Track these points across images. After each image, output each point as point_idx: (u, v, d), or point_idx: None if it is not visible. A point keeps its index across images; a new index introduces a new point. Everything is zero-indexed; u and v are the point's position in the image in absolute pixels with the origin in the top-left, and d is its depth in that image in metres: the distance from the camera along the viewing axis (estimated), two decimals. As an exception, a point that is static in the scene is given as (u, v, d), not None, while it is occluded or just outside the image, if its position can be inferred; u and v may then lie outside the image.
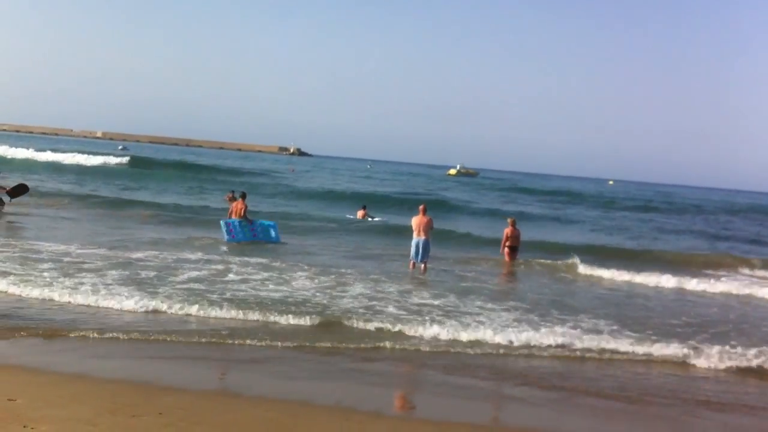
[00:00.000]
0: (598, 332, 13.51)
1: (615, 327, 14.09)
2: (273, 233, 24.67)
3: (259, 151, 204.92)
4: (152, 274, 16.16)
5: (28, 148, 65.64)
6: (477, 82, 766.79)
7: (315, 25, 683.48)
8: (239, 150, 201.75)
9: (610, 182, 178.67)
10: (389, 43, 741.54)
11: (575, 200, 70.54)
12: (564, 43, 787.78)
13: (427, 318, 13.63)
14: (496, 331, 12.93)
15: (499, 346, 12.33)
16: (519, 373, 10.88)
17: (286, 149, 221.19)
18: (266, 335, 11.78)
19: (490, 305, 15.39)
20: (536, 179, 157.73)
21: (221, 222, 24.28)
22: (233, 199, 38.42)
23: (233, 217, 24.40)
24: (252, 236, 24.06)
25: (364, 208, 34.83)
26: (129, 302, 13.23)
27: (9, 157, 58.63)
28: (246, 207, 24.64)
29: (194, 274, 16.57)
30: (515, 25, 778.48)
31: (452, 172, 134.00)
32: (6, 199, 27.40)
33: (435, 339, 12.49)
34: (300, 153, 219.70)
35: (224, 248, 22.02)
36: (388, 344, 11.82)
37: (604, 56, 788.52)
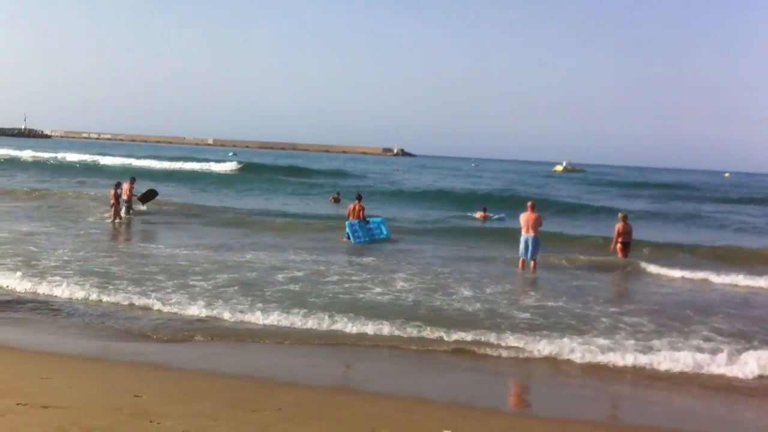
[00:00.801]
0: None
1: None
2: (384, 229, 25.41)
3: (364, 153, 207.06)
4: (299, 279, 16.49)
5: (144, 158, 69.13)
6: (581, 76, 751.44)
7: (419, 23, 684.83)
8: (344, 152, 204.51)
9: (726, 174, 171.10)
10: (491, 41, 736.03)
11: (693, 194, 66.60)
12: (672, 31, 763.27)
13: (556, 328, 12.63)
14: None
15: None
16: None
17: (389, 150, 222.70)
18: (397, 341, 11.66)
19: (613, 310, 14.53)
20: (646, 173, 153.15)
21: (346, 224, 24.85)
22: (337, 200, 39.19)
23: (351, 218, 25.01)
24: (370, 236, 24.70)
25: (484, 209, 34.75)
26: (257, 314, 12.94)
27: (133, 165, 61.74)
28: (363, 208, 25.28)
29: (334, 278, 16.84)
30: (617, 18, 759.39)
31: (558, 168, 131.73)
32: (140, 205, 29.28)
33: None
34: (403, 153, 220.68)
35: (344, 251, 22.28)
36: (504, 353, 11.17)
37: (706, 44, 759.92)
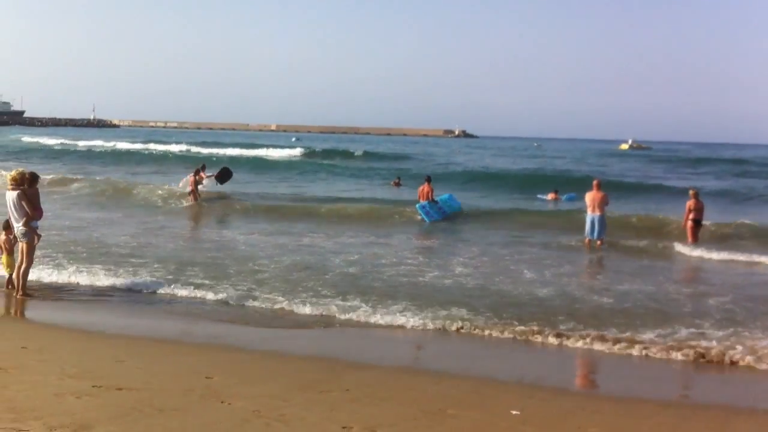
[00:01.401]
0: None
1: None
2: (454, 204, 26.47)
3: (425, 135, 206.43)
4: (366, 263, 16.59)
5: (210, 147, 70.45)
6: (647, 48, 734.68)
7: (480, 2, 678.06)
8: (404, 135, 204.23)
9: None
10: (549, 19, 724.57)
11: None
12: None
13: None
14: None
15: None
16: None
17: (451, 131, 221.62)
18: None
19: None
20: (714, 149, 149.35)
21: (417, 207, 25.30)
22: (398, 184, 39.29)
23: (422, 200, 25.57)
24: (442, 214, 25.23)
25: (555, 191, 34.47)
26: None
27: (197, 152, 62.51)
28: (432, 189, 25.92)
29: (415, 261, 16.89)
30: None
31: (624, 146, 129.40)
32: (215, 183, 29.93)
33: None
34: (465, 135, 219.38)
35: (418, 234, 22.41)
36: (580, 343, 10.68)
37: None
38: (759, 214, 27.57)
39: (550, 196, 33.92)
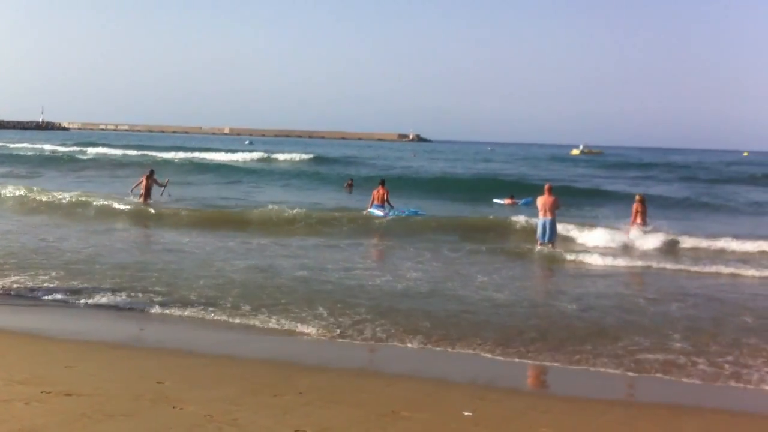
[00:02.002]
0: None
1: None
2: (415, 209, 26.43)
3: (380, 139, 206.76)
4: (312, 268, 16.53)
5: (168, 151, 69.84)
6: (596, 56, 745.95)
7: (433, 7, 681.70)
8: (359, 139, 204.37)
9: (745, 153, 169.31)
10: (501, 26, 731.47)
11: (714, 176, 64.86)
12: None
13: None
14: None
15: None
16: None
17: (405, 136, 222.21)
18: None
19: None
20: (666, 154, 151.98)
21: (370, 211, 25.40)
22: (351, 186, 39.27)
23: (375, 203, 25.56)
24: (400, 210, 25.49)
25: (511, 196, 34.81)
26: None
27: (161, 159, 61.73)
28: (387, 191, 25.78)
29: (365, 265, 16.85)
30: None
31: (575, 152, 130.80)
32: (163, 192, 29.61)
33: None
34: (419, 139, 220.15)
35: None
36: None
37: (721, 21, 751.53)
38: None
39: (506, 201, 34.23)
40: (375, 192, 26.08)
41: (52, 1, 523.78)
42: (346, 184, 40.76)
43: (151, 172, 29.44)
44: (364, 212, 25.31)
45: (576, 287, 15.18)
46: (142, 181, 28.54)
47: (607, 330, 11.57)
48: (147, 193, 28.21)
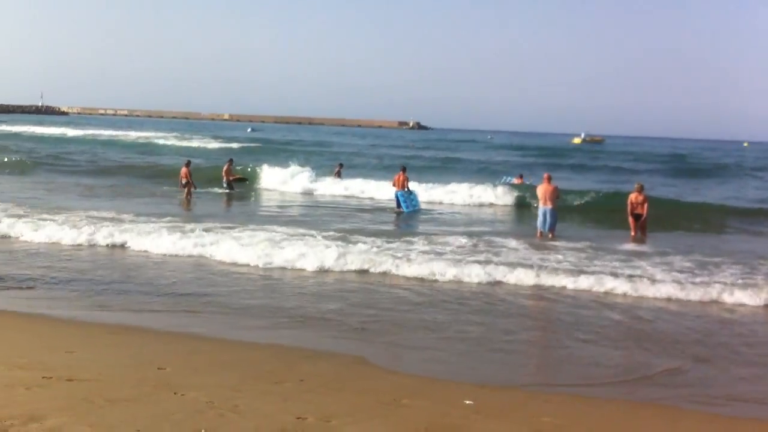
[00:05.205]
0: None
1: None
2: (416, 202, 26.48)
3: (379, 127, 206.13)
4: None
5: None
6: (599, 45, 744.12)
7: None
8: (359, 126, 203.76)
9: (745, 144, 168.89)
10: (502, 17, 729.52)
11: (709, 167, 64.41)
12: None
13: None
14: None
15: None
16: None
17: (405, 123, 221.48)
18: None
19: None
20: (667, 143, 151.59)
21: (397, 194, 25.91)
22: (340, 172, 38.75)
23: (397, 188, 25.99)
24: (413, 206, 25.86)
25: (520, 175, 35.32)
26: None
27: (161, 143, 61.67)
28: (407, 178, 26.17)
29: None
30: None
31: (577, 140, 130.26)
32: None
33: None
34: (419, 127, 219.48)
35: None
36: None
37: (729, 10, 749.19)
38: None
39: (516, 180, 34.40)
40: (396, 177, 26.40)
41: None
42: (335, 173, 40.02)
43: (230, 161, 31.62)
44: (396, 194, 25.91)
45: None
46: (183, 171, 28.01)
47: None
48: (189, 183, 27.69)
